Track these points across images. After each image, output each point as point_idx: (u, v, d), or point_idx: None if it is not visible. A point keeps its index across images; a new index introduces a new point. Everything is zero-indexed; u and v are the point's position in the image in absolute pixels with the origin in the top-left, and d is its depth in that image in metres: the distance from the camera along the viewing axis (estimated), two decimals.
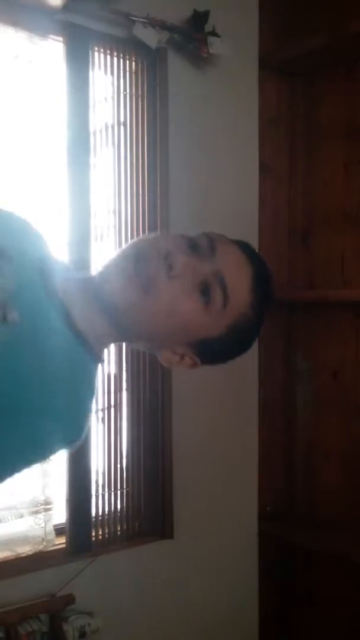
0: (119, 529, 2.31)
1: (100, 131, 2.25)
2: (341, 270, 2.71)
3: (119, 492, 2.30)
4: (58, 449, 0.91)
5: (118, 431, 2.30)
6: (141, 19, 2.26)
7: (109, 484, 2.27)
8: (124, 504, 2.32)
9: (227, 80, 2.60)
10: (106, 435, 2.26)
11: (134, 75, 2.33)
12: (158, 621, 2.41)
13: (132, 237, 2.33)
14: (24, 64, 2.09)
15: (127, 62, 2.31)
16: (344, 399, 2.72)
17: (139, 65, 2.34)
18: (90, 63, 2.22)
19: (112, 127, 2.28)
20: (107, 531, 2.28)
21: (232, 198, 2.64)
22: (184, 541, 2.46)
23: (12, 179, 2.08)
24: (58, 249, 2.18)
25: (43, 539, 2.13)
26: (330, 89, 2.75)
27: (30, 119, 2.11)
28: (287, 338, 2.87)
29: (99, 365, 0.99)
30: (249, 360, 2.70)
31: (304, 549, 2.77)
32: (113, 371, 2.29)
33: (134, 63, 2.33)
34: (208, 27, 2.42)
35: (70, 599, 2.14)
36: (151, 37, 2.28)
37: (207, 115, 2.55)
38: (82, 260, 2.20)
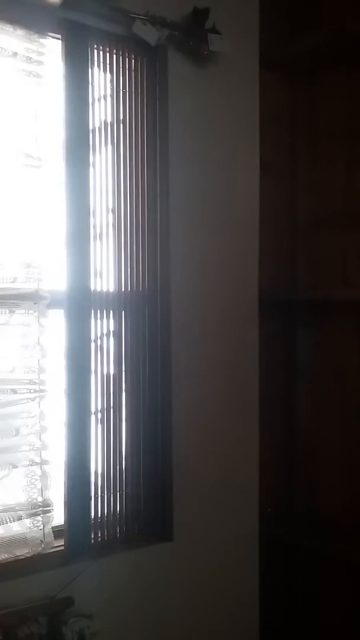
0: (118, 531, 2.30)
1: (100, 129, 2.23)
2: (343, 270, 2.69)
3: (118, 494, 2.28)
4: None
5: (117, 432, 2.28)
6: (141, 16, 2.25)
7: (108, 486, 2.26)
8: (123, 506, 2.30)
9: (228, 78, 2.58)
10: (105, 437, 2.25)
11: (133, 73, 2.32)
12: (157, 624, 2.39)
13: (131, 236, 2.31)
14: (22, 61, 2.07)
15: (127, 59, 2.30)
16: (345, 400, 2.70)
17: (139, 63, 2.32)
18: (90, 61, 2.20)
19: (112, 125, 2.27)
20: (106, 533, 2.26)
21: (233, 196, 2.63)
22: (184, 543, 2.45)
23: (9, 176, 2.06)
24: (56, 248, 2.16)
25: (42, 541, 2.12)
26: (331, 86, 2.74)
27: (30, 116, 2.09)
28: (288, 338, 2.85)
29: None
30: (249, 360, 2.69)
31: (305, 550, 2.76)
32: (112, 372, 2.27)
33: (133, 60, 2.31)
34: (208, 24, 2.41)
35: (69, 602, 2.12)
36: (151, 35, 2.27)
37: (207, 113, 2.53)
38: (80, 259, 2.18)
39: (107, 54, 2.26)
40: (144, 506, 2.35)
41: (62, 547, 2.17)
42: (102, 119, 2.25)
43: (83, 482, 2.18)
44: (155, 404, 2.38)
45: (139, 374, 2.34)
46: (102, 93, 2.25)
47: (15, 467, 2.07)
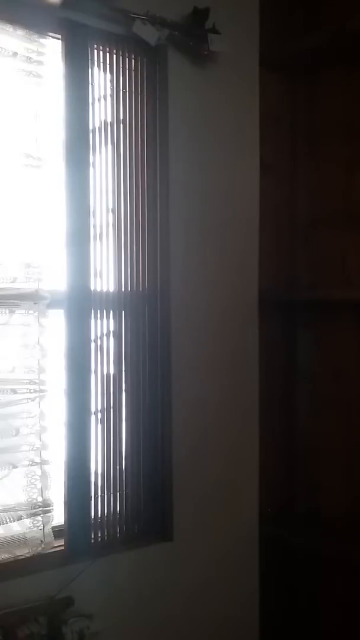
0: (118, 531, 2.30)
1: (100, 129, 2.23)
2: (343, 270, 2.69)
3: (118, 494, 2.28)
4: None
5: (117, 432, 2.28)
6: (141, 16, 2.25)
7: (108, 486, 2.26)
8: (123, 506, 2.30)
9: (228, 78, 2.58)
10: (105, 437, 2.25)
11: (133, 73, 2.32)
12: (157, 624, 2.39)
13: (131, 236, 2.31)
14: (22, 61, 2.07)
15: (127, 59, 2.30)
16: (345, 400, 2.70)
17: (139, 63, 2.32)
18: (90, 61, 2.20)
19: (112, 125, 2.26)
20: (106, 533, 2.26)
21: (233, 196, 2.63)
22: (184, 544, 2.45)
23: (9, 176, 2.06)
24: (56, 248, 2.16)
25: (42, 541, 2.12)
26: (331, 86, 2.73)
27: (30, 116, 2.09)
28: (288, 338, 2.85)
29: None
30: (249, 360, 2.69)
31: (305, 550, 2.76)
32: (112, 372, 2.27)
33: (133, 60, 2.31)
34: (208, 24, 2.41)
35: (69, 602, 2.12)
36: (151, 35, 2.27)
37: (207, 113, 2.53)
38: (80, 259, 2.18)
39: (107, 54, 2.25)
40: (144, 506, 2.35)
41: (62, 547, 2.17)
42: (102, 119, 2.25)
43: (83, 482, 2.18)
44: (155, 404, 2.38)
45: (139, 374, 2.34)
46: (102, 93, 2.25)
47: (15, 467, 2.07)
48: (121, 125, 2.29)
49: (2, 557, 2.06)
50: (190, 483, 2.47)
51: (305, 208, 2.83)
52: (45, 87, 2.12)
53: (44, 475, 2.12)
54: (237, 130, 2.64)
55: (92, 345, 2.21)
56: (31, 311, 2.09)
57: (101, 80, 2.25)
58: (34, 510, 2.10)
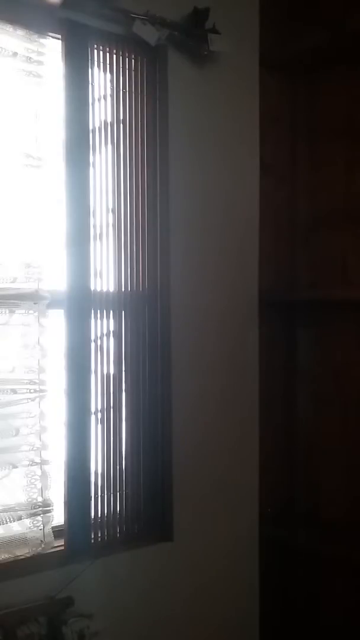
0: (118, 531, 2.29)
1: (100, 129, 2.23)
2: (343, 270, 2.69)
3: (118, 494, 2.28)
4: None
5: (117, 432, 2.28)
6: (141, 16, 2.25)
7: (108, 486, 2.26)
8: (123, 506, 2.30)
9: (228, 78, 2.58)
10: (105, 437, 2.25)
11: (133, 73, 2.32)
12: (158, 624, 2.39)
13: (131, 236, 2.31)
14: (22, 61, 2.06)
15: (127, 59, 2.30)
16: (345, 399, 2.70)
17: (139, 63, 2.32)
18: (90, 61, 2.20)
19: (112, 125, 2.26)
20: (106, 533, 2.26)
21: (233, 196, 2.63)
22: (184, 544, 2.45)
23: (9, 176, 2.06)
24: (56, 248, 2.16)
25: (42, 541, 2.11)
26: (331, 86, 2.73)
27: (30, 116, 2.09)
28: (288, 338, 2.85)
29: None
30: (249, 360, 2.69)
31: (305, 550, 2.76)
32: (112, 372, 2.27)
33: (133, 60, 2.31)
34: (208, 24, 2.41)
35: (69, 602, 2.12)
36: (151, 35, 2.27)
37: (207, 113, 2.53)
38: (80, 259, 2.18)
39: (107, 54, 2.25)
40: (144, 506, 2.35)
41: (62, 547, 2.17)
42: (102, 119, 2.25)
43: (83, 482, 2.18)
44: (155, 404, 2.37)
45: (139, 374, 2.34)
46: (102, 93, 2.25)
47: (15, 467, 2.07)
48: (121, 125, 2.29)
49: (2, 557, 2.06)
50: (190, 483, 2.47)
51: (306, 208, 2.83)
52: (45, 87, 2.12)
53: (44, 475, 2.12)
54: (237, 130, 2.64)
55: (92, 345, 2.21)
56: (31, 311, 2.09)
57: (101, 80, 2.25)
58: (34, 510, 2.10)
